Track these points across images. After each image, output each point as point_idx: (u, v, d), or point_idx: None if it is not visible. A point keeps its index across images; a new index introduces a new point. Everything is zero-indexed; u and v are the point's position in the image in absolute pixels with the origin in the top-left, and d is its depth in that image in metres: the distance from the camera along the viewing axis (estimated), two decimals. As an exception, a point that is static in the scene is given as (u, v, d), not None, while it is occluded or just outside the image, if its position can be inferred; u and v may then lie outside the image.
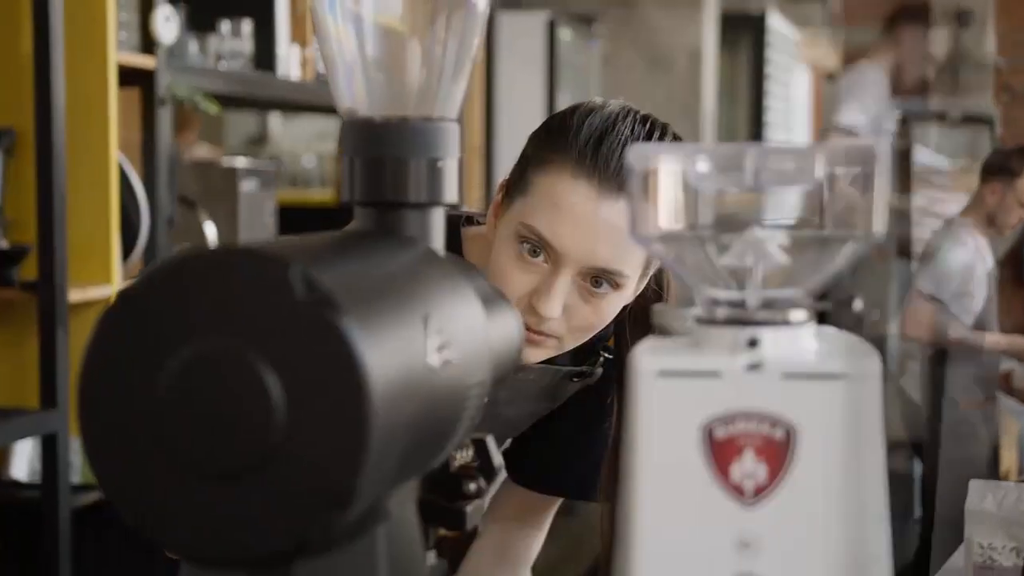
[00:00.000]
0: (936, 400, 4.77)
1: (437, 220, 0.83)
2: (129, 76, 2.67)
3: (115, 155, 2.54)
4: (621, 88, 5.82)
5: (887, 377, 5.58)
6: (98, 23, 2.51)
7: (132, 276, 2.71)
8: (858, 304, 4.20)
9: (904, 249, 4.69)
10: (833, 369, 0.67)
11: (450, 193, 0.83)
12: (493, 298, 0.87)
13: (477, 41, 0.85)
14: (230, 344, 0.62)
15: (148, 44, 2.70)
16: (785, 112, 8.34)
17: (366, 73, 0.83)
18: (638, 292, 1.36)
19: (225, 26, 3.08)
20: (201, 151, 4.36)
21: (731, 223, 0.74)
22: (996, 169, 4.85)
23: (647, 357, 0.69)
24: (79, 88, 2.50)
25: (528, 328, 1.29)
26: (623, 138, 1.26)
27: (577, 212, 1.24)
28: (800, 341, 0.69)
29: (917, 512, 4.40)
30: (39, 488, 2.52)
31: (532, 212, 1.27)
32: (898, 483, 4.15)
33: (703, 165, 0.71)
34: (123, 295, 0.63)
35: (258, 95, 3.21)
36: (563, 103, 6.10)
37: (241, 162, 3.22)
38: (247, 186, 3.10)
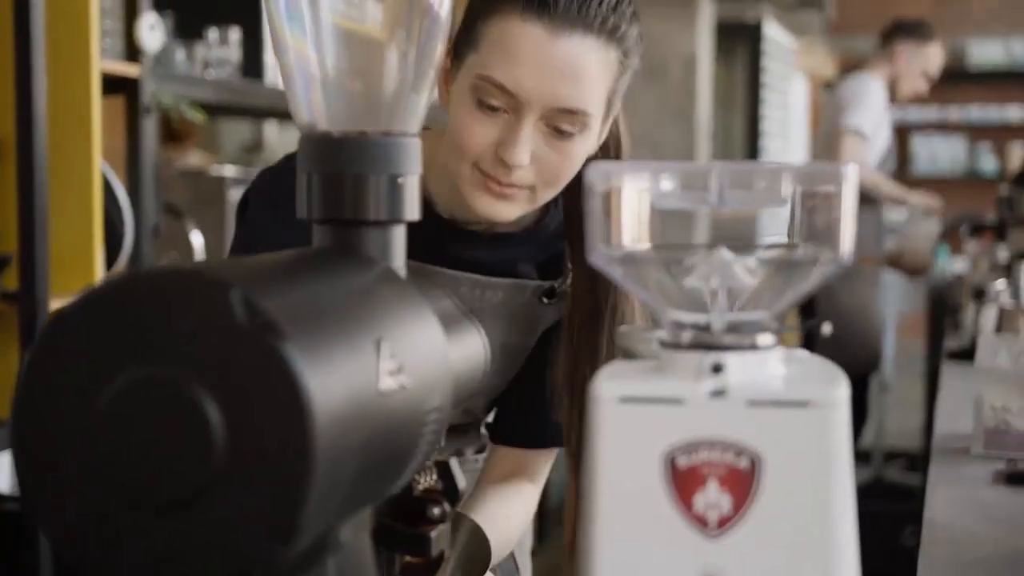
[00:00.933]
0: None
1: (398, 237, 0.80)
2: (114, 84, 2.64)
3: (99, 163, 2.51)
4: (616, 96, 5.77)
5: (885, 387, 5.56)
6: (81, 30, 2.48)
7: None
8: (827, 328, 4.16)
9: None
10: (800, 396, 0.64)
11: (411, 210, 0.81)
12: (456, 318, 0.84)
13: (440, 50, 0.83)
14: (169, 370, 0.59)
15: (133, 52, 2.67)
16: (782, 120, 8.32)
17: (325, 86, 0.80)
18: (602, 139, 1.34)
19: (212, 34, 3.05)
20: (194, 159, 4.33)
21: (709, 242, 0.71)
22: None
23: (608, 383, 0.66)
24: (62, 96, 2.47)
25: (498, 182, 1.27)
26: None
27: (532, 54, 1.22)
28: (767, 367, 0.67)
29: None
30: (20, 500, 2.49)
31: (485, 63, 1.25)
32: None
33: (667, 184, 0.68)
34: (59, 316, 0.61)
35: (245, 103, 3.19)
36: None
37: (230, 171, 3.19)
38: (236, 195, 3.08)
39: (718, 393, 0.65)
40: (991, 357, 2.00)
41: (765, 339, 0.68)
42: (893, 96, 4.85)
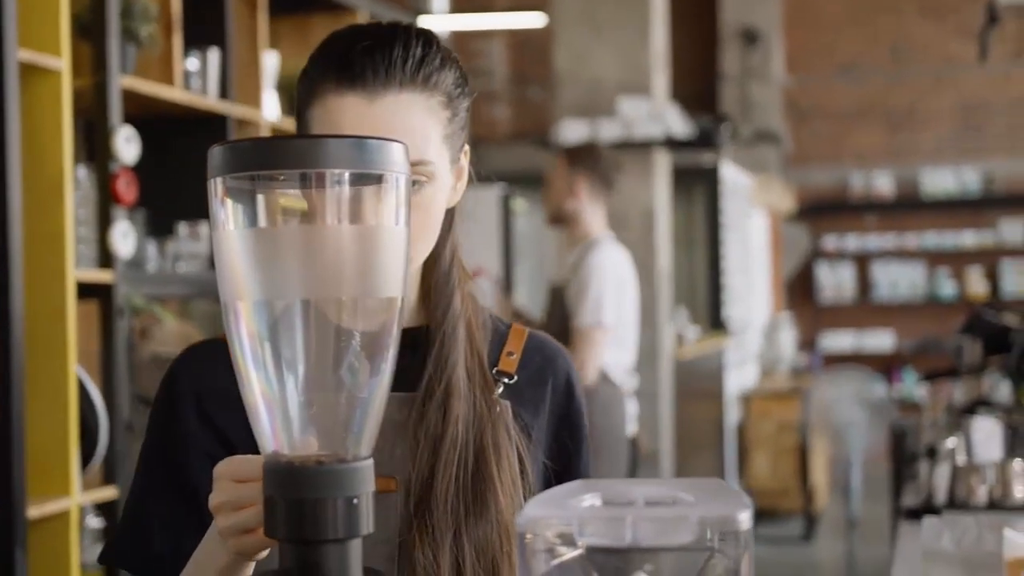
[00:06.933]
0: None
1: (355, 551, 0.90)
2: (88, 289, 2.74)
3: (73, 369, 2.60)
4: (578, 248, 5.94)
5: (854, 522, 5.60)
6: (57, 241, 2.59)
7: (91, 486, 2.75)
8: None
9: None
10: None
11: (366, 525, 0.90)
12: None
13: (387, 383, 0.93)
14: None
15: (106, 258, 2.78)
16: (743, 256, 8.49)
17: (285, 418, 0.90)
18: (460, 191, 1.33)
19: (183, 229, 3.17)
20: (169, 326, 4.40)
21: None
22: None
23: None
24: (39, 305, 2.56)
25: None
26: (373, 35, 1.25)
27: (353, 122, 1.22)
28: None
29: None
30: None
31: None
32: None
33: (589, 527, 0.78)
34: None
35: (217, 294, 3.29)
36: (520, 271, 6.21)
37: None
38: (207, 379, 3.14)
39: None
40: (935, 538, 2.07)
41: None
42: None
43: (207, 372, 1.29)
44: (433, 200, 1.26)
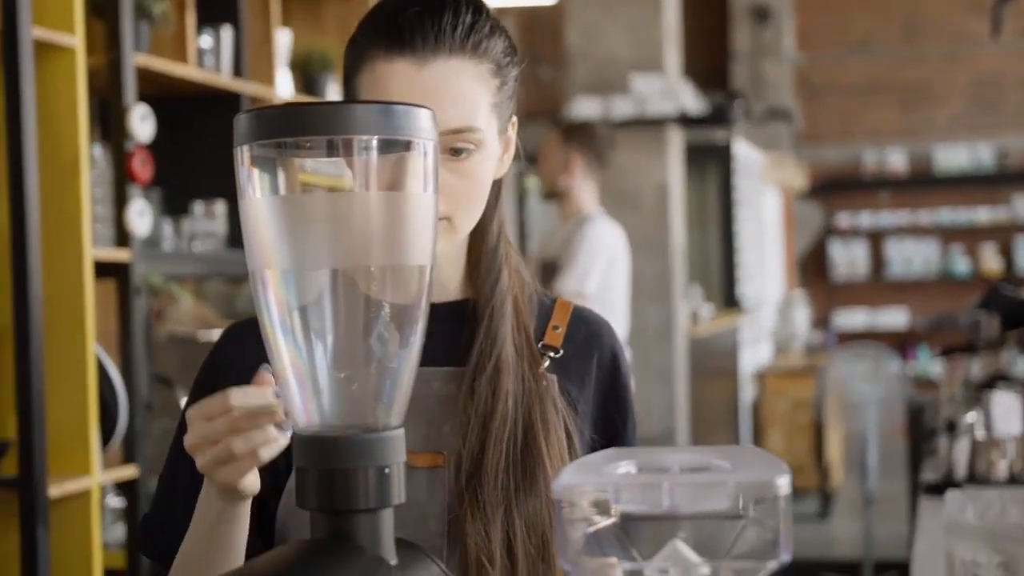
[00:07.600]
0: None
1: (387, 521, 0.89)
2: (105, 268, 2.74)
3: (92, 348, 2.60)
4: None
5: (871, 499, 5.59)
6: (73, 220, 2.59)
7: (111, 465, 2.75)
8: None
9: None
10: None
11: (398, 494, 0.89)
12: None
13: (417, 353, 0.92)
14: None
15: (123, 237, 2.78)
16: (757, 233, 8.48)
17: (315, 388, 0.89)
18: (507, 163, 1.32)
19: (199, 208, 3.17)
20: (186, 305, 4.40)
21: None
22: None
23: None
24: (56, 284, 2.56)
25: None
26: (423, 1, 1.24)
27: (403, 87, 1.22)
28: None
29: None
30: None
31: None
32: None
33: (625, 494, 0.77)
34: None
35: (232, 273, 3.29)
36: (533, 249, 6.20)
37: (217, 336, 3.27)
38: (223, 359, 3.14)
39: None
40: (959, 512, 2.06)
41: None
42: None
43: (240, 348, 1.28)
44: (481, 168, 1.25)
